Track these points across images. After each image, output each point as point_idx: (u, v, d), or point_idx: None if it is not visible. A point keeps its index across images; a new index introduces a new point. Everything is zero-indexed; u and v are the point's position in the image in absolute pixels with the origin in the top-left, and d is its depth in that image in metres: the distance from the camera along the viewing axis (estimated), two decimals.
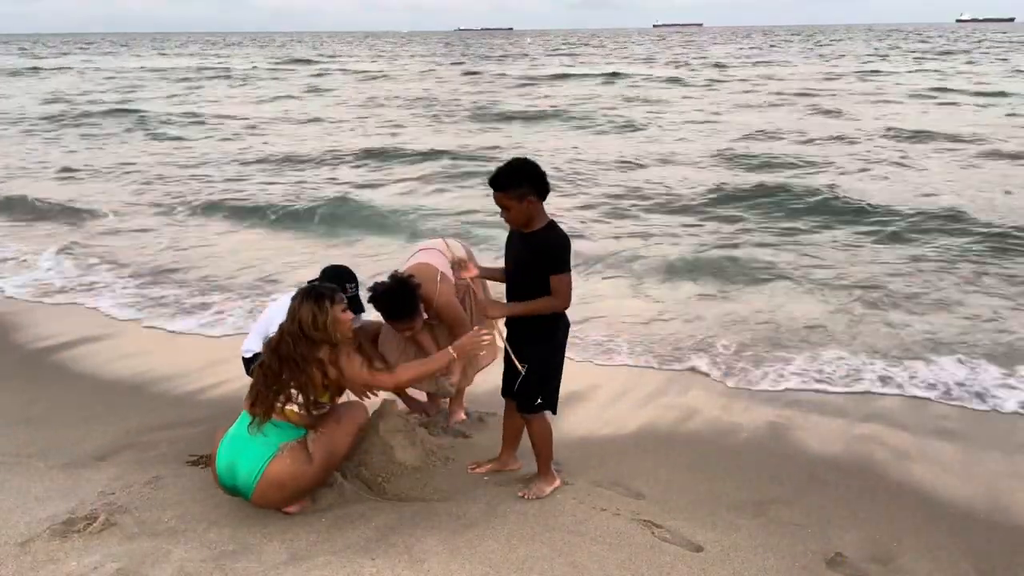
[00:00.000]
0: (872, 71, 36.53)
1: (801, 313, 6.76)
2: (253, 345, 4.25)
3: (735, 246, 9.09)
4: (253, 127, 21.08)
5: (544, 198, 3.45)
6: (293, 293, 4.15)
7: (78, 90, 32.88)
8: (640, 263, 8.42)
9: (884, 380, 5.39)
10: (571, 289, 3.46)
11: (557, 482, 3.80)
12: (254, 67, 49.24)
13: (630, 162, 14.75)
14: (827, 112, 21.54)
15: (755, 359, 5.79)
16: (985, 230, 9.22)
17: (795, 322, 6.54)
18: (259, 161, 15.66)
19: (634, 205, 11.32)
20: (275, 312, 4.16)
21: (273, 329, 3.87)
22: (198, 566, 3.08)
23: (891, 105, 23.12)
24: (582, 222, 10.36)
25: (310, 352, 3.44)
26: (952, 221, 9.66)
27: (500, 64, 51.11)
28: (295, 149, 16.84)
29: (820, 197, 11.04)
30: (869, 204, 10.57)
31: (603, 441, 4.55)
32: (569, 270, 3.44)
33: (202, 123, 21.78)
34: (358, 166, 15.18)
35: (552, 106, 24.59)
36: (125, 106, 25.64)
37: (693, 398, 5.19)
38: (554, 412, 3.74)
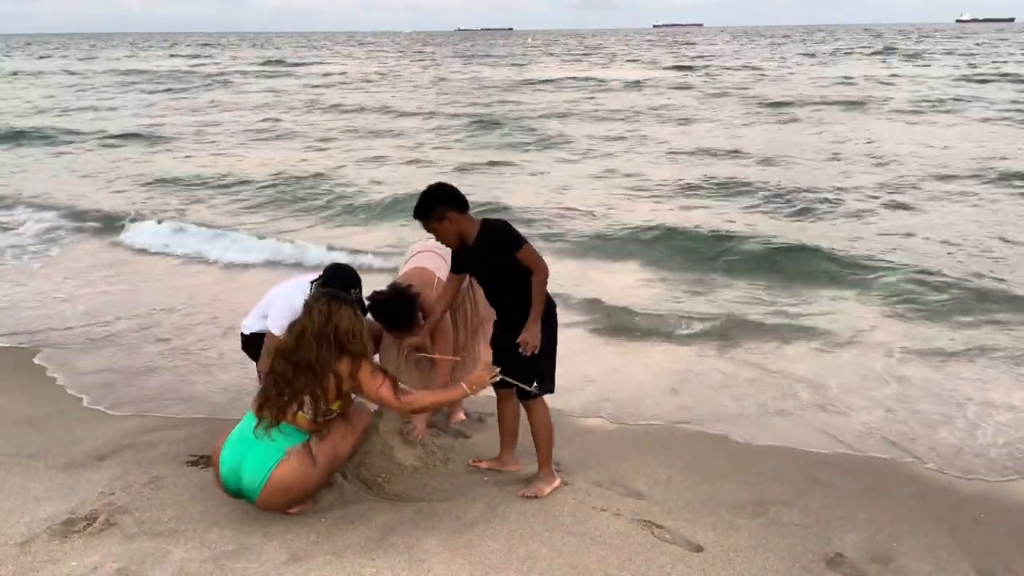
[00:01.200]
0: (873, 75, 35.72)
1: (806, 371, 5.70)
2: (253, 324, 4.25)
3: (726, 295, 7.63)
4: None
5: (465, 210, 3.65)
6: (297, 280, 4.15)
7: None
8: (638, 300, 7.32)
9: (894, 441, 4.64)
10: (539, 253, 3.63)
11: (557, 482, 3.80)
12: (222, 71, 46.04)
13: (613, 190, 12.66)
14: (821, 124, 19.96)
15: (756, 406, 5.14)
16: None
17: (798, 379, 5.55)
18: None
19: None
20: (276, 296, 4.16)
21: (274, 311, 3.87)
22: (198, 566, 3.08)
23: (886, 119, 20.95)
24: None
25: (331, 361, 3.37)
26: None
27: (493, 66, 50.17)
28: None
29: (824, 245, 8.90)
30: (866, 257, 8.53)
31: (603, 441, 4.55)
32: (526, 240, 3.61)
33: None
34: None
35: (532, 112, 23.13)
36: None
37: (693, 398, 5.19)
38: (552, 391, 3.77)
